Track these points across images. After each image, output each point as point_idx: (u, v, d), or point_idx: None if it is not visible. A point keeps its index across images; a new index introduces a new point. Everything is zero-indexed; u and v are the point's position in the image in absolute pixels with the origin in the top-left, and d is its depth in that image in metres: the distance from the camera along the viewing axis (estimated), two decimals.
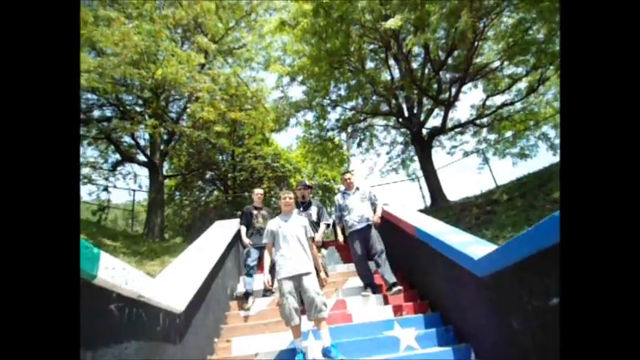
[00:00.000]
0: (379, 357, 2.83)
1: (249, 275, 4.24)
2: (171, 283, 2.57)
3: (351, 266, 4.75)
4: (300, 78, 11.96)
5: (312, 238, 3.31)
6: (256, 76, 13.20)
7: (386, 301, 3.92)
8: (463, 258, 2.79)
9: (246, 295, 4.10)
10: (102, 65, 6.47)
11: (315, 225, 4.30)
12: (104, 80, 6.60)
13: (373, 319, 3.49)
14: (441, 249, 3.22)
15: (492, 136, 14.06)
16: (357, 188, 4.39)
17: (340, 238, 4.33)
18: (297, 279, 2.95)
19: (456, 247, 2.94)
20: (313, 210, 4.46)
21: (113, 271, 1.53)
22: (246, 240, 4.45)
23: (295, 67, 11.55)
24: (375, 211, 4.24)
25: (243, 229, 4.58)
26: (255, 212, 4.66)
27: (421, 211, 9.58)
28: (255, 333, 3.43)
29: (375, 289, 4.08)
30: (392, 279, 3.83)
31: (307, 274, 2.97)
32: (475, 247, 2.82)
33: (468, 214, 7.48)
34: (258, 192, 4.89)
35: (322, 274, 3.31)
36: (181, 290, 2.54)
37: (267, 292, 4.26)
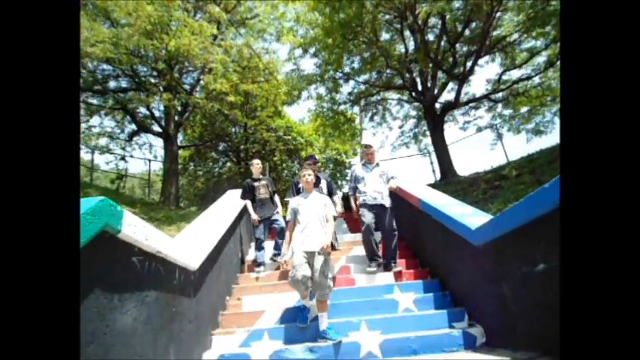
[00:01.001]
0: (378, 316, 3.03)
1: (260, 248, 4.33)
2: (186, 243, 2.79)
3: (358, 236, 4.92)
4: (312, 50, 11.83)
5: (335, 217, 3.33)
6: (269, 47, 13.12)
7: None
8: (461, 228, 2.92)
9: (258, 264, 4.28)
10: (116, 36, 6.57)
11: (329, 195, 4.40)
12: (119, 51, 6.72)
13: (375, 284, 3.70)
14: (442, 219, 3.35)
15: (507, 112, 13.81)
16: (377, 164, 4.33)
17: (354, 208, 4.24)
18: (311, 255, 3.01)
19: (456, 217, 3.07)
20: (323, 184, 4.46)
21: (135, 228, 1.72)
22: (254, 216, 4.40)
23: (308, 38, 11.40)
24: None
25: (249, 204, 4.51)
26: (255, 184, 4.60)
27: (431, 185, 9.65)
28: (264, 293, 3.68)
29: (380, 262, 4.02)
30: (393, 258, 3.96)
31: (319, 252, 3.01)
32: (474, 218, 2.94)
33: (475, 188, 7.54)
34: (255, 162, 4.78)
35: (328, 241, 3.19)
36: (196, 250, 2.75)
37: (275, 256, 4.46)
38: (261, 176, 4.76)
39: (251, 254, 4.94)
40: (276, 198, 4.67)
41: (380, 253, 4.08)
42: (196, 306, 2.65)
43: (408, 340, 2.72)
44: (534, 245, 2.03)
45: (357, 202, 4.21)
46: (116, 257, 1.62)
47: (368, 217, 4.00)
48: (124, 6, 6.40)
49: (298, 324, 3.00)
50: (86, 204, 1.39)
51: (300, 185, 3.52)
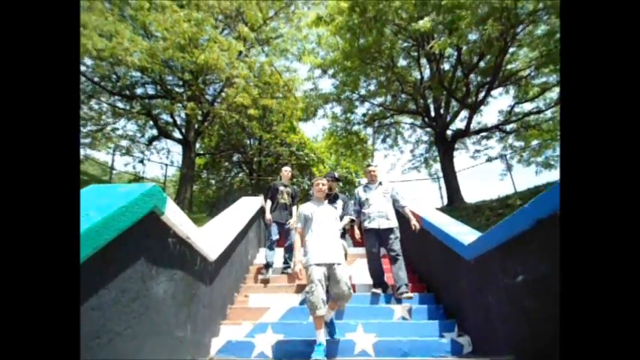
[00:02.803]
0: (374, 321, 3.27)
1: (271, 249, 4.54)
2: (205, 238, 3.10)
3: (361, 249, 5.14)
4: (331, 71, 12.34)
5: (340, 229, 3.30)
6: (290, 66, 13.72)
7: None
8: (456, 244, 3.18)
9: (267, 266, 4.48)
10: (153, 48, 7.14)
11: (340, 219, 4.27)
12: (153, 61, 7.27)
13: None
14: (441, 237, 3.61)
15: (518, 144, 14.03)
16: (380, 183, 4.25)
17: (357, 234, 4.18)
18: (328, 267, 2.93)
19: (453, 235, 3.33)
20: (339, 204, 4.41)
21: (174, 213, 2.05)
22: (268, 216, 4.70)
23: (327, 60, 11.93)
24: (395, 207, 4.15)
25: (268, 204, 4.80)
26: (281, 188, 4.84)
27: (437, 209, 9.86)
28: (270, 292, 3.95)
29: (386, 288, 3.97)
30: (404, 280, 3.74)
31: (339, 263, 2.95)
32: (470, 236, 3.19)
33: (480, 215, 7.75)
34: (286, 169, 5.13)
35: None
36: (213, 244, 3.06)
37: (285, 269, 4.58)
38: (288, 183, 5.04)
39: (259, 258, 5.20)
40: (294, 209, 4.92)
41: (387, 279, 4.01)
42: (210, 294, 2.94)
43: (400, 343, 2.95)
44: (515, 259, 2.29)
45: (362, 227, 4.12)
46: (158, 235, 1.94)
47: (372, 245, 3.95)
48: (162, 21, 7.01)
49: (317, 356, 2.63)
50: (142, 187, 1.72)
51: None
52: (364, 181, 4.62)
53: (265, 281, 4.33)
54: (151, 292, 1.86)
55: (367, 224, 4.03)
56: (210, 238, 3.15)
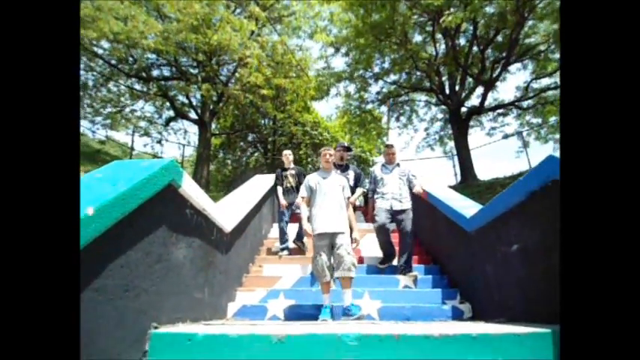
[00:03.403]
0: (380, 289, 3.46)
1: (283, 236, 4.60)
2: (222, 210, 3.31)
3: (372, 225, 5.28)
4: (344, 49, 12.24)
5: (349, 198, 3.38)
6: (302, 45, 13.64)
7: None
8: (459, 217, 3.31)
9: (282, 249, 4.58)
10: (167, 30, 7.28)
11: (351, 189, 4.17)
12: (167, 43, 7.43)
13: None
14: (445, 211, 3.74)
15: (536, 120, 13.74)
16: (398, 164, 4.24)
17: (370, 210, 4.20)
18: (331, 236, 3.03)
19: (457, 209, 3.45)
20: (350, 174, 4.38)
21: (190, 187, 2.24)
22: (282, 201, 4.73)
23: (340, 38, 11.82)
24: (411, 188, 4.13)
25: (280, 190, 4.88)
26: (284, 173, 4.92)
27: (450, 187, 9.89)
28: (283, 263, 4.20)
29: (394, 256, 4.05)
30: (408, 262, 3.79)
31: (342, 232, 3.05)
32: (472, 209, 3.30)
33: (491, 191, 7.78)
34: (286, 153, 5.14)
35: (355, 234, 3.29)
36: (229, 217, 3.27)
37: (298, 241, 4.72)
38: (291, 166, 5.06)
39: (272, 233, 5.43)
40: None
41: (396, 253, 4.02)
42: (227, 262, 3.18)
43: (404, 309, 3.14)
44: (511, 229, 2.42)
45: (375, 205, 4.14)
46: (176, 206, 2.14)
47: (382, 217, 3.94)
48: (175, 3, 7.11)
49: (323, 317, 2.91)
50: (160, 163, 1.91)
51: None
52: (381, 159, 4.61)
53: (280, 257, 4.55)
54: (172, 257, 2.07)
55: (379, 203, 4.05)
56: (226, 211, 3.36)
